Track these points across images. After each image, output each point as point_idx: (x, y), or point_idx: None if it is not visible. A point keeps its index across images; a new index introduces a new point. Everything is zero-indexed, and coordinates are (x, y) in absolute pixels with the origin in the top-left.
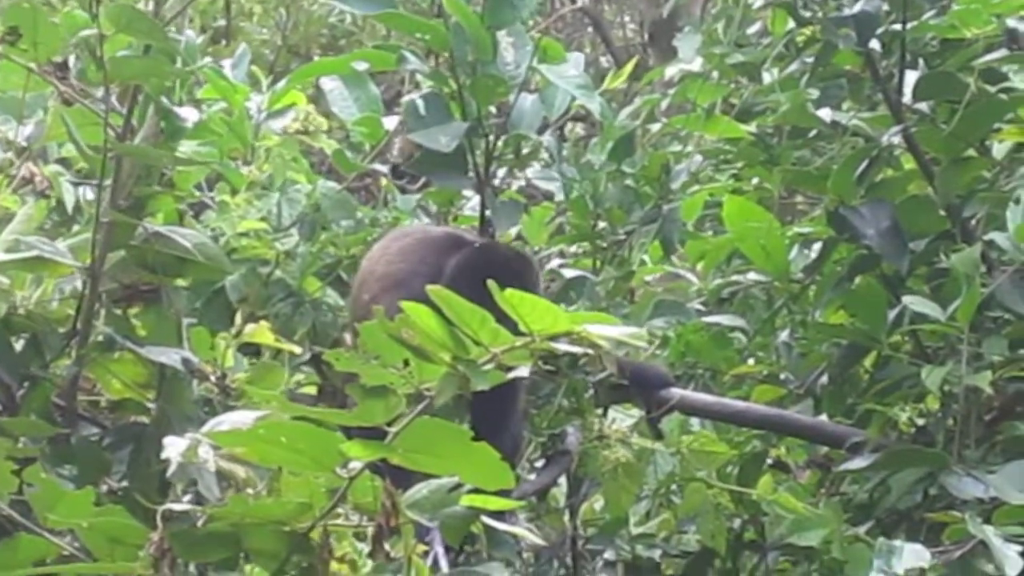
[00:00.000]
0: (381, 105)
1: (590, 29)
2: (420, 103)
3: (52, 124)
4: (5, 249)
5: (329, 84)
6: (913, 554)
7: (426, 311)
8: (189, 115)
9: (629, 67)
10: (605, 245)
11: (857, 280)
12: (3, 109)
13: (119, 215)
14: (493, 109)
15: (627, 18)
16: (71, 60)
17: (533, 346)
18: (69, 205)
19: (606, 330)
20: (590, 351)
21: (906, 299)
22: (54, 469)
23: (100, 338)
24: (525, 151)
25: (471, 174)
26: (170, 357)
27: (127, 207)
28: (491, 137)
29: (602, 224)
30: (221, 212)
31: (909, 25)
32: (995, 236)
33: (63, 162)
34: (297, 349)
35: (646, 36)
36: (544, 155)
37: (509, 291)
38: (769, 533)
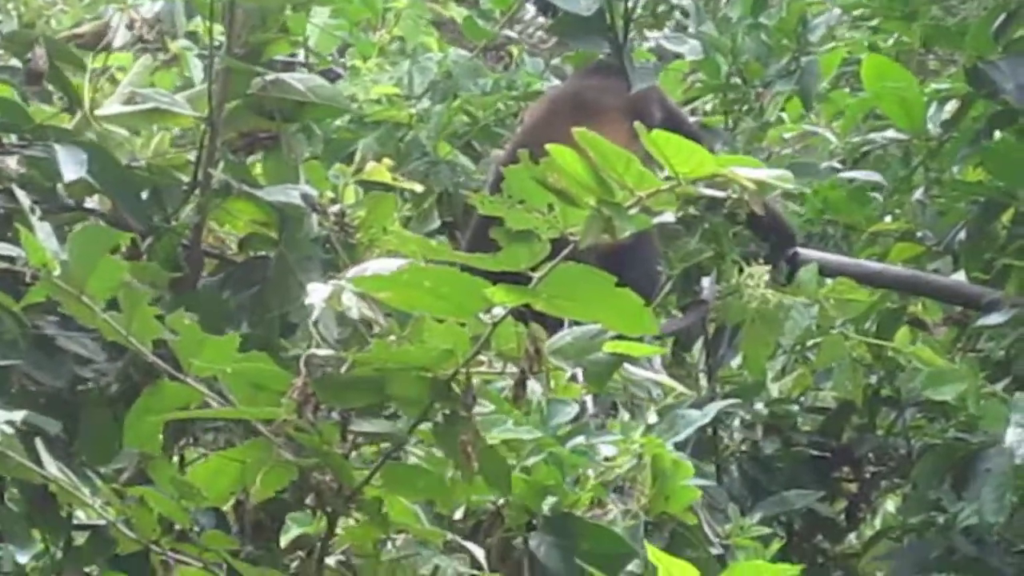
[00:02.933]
0: None
1: None
2: None
3: None
4: (122, 101)
5: None
6: None
7: (571, 153)
8: None
9: None
10: (739, 97)
11: (995, 136)
12: None
13: (235, 62)
14: None
15: None
16: None
17: (679, 189)
18: (196, 81)
19: (753, 172)
20: (735, 195)
21: None
22: None
23: (217, 186)
24: (660, 9)
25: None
26: (288, 195)
27: (243, 55)
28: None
29: (735, 80)
30: (353, 78)
31: None
32: None
33: (192, 37)
34: (418, 187)
35: None
36: (678, 15)
37: (656, 131)
38: (904, 387)
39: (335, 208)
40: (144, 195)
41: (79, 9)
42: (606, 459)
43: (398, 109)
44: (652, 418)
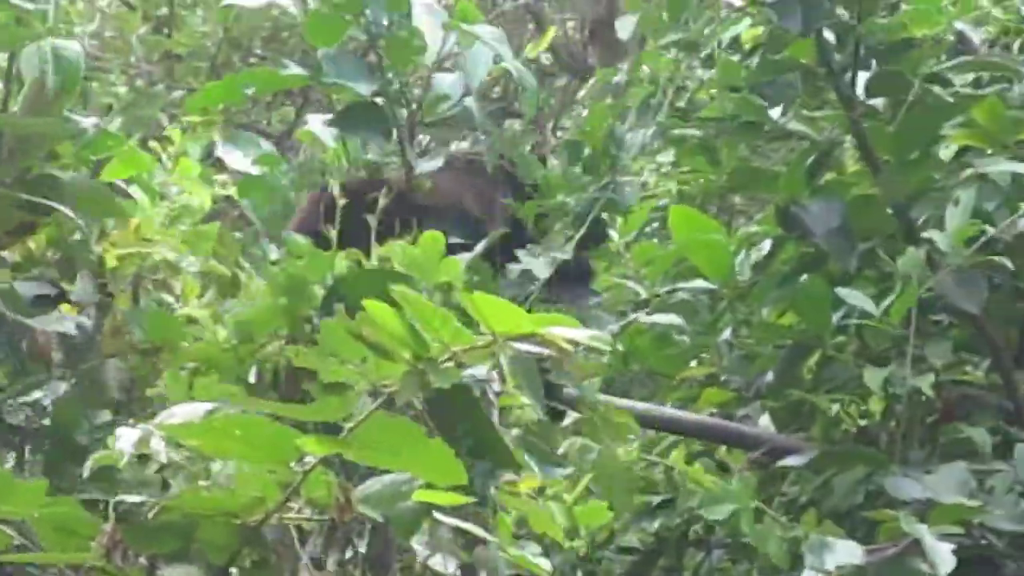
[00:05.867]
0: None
1: (531, 26)
2: (331, 54)
3: None
4: None
5: (228, 155)
6: (846, 550)
7: (387, 309)
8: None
9: (549, 35)
10: None
11: (803, 279)
12: None
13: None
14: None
15: (568, 16)
16: None
17: (495, 347)
18: None
19: (570, 333)
20: (553, 354)
21: (840, 291)
22: None
23: None
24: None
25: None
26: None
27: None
28: (413, 105)
29: None
30: None
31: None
32: (934, 235)
33: None
34: None
35: (587, 34)
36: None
37: (475, 293)
38: (680, 504)
39: None
40: None
41: None
42: None
43: None
44: None
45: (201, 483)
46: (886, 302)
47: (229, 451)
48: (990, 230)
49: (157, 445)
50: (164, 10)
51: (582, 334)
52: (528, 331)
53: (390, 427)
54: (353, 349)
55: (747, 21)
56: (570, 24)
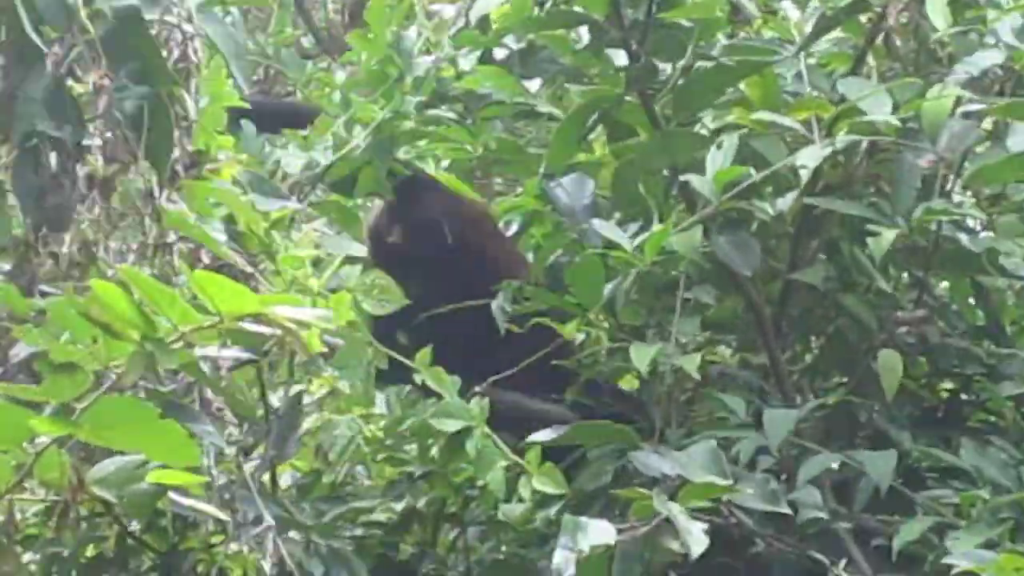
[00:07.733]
0: None
1: (293, 10)
2: None
3: None
4: None
5: None
6: (599, 531)
7: (115, 289)
8: None
9: None
10: None
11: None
12: None
13: None
14: None
15: None
16: None
17: (221, 327)
18: None
19: (295, 312)
20: (279, 332)
21: (595, 223)
22: None
23: None
24: None
25: None
26: None
27: None
28: None
29: None
30: None
31: None
32: (692, 179)
33: None
34: None
35: (347, 17)
36: None
37: (197, 272)
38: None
39: None
40: None
41: None
42: None
43: None
44: None
45: None
46: (640, 239)
47: None
48: (753, 173)
49: None
50: None
51: (307, 313)
52: (253, 311)
53: (123, 408)
54: (82, 328)
55: None
56: (331, 7)
